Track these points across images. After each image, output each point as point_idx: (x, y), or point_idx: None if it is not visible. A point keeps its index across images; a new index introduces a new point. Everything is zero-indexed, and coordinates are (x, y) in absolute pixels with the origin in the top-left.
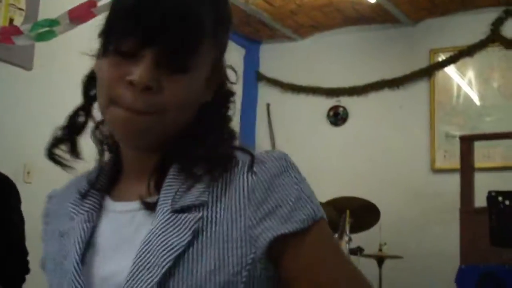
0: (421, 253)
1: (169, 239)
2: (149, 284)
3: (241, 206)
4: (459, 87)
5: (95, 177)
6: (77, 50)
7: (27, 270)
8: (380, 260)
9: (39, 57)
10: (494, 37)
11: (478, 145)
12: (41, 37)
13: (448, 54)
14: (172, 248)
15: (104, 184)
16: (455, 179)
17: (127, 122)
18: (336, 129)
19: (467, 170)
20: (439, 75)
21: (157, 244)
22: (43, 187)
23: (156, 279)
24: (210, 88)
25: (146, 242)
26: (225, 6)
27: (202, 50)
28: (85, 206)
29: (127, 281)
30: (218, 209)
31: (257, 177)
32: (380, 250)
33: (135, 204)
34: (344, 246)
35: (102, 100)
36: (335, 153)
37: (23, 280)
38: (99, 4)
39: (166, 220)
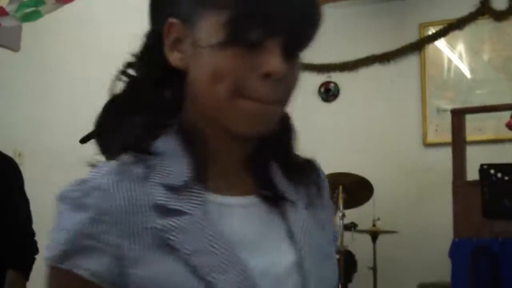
0: (415, 227)
1: (316, 232)
2: (331, 272)
3: (327, 208)
4: (449, 61)
5: (191, 168)
6: (64, 30)
7: (36, 250)
8: (374, 235)
9: (27, 37)
10: (484, 10)
11: (469, 118)
12: (27, 18)
13: (438, 28)
14: (325, 240)
15: (201, 176)
16: (447, 153)
17: (259, 114)
18: (328, 105)
19: (459, 143)
20: (429, 49)
21: (311, 237)
22: (35, 169)
23: (333, 268)
24: None
25: (302, 234)
26: None
27: None
28: (192, 200)
29: (308, 271)
30: (319, 209)
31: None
32: (374, 225)
33: (250, 198)
34: (338, 222)
35: (222, 93)
36: (327, 129)
37: (33, 260)
38: None
39: (307, 216)
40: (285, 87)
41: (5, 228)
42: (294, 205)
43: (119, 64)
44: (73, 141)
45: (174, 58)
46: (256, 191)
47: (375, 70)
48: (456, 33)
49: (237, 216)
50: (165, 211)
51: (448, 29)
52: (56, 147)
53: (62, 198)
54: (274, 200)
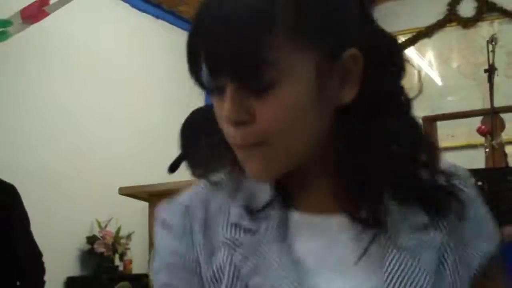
0: None
1: (419, 263)
2: None
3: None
4: (419, 69)
5: (273, 190)
6: (31, 51)
7: (44, 271)
8: None
9: None
10: (451, 17)
11: (441, 125)
12: None
13: (407, 36)
14: (427, 273)
15: (286, 195)
16: None
17: (244, 160)
18: None
19: None
20: None
21: (408, 267)
22: None
23: None
24: (344, 88)
25: (395, 264)
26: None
27: (278, 62)
28: (269, 221)
29: None
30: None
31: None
32: None
33: (336, 218)
34: None
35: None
36: None
37: (44, 282)
38: (52, 2)
39: (407, 243)
40: (256, 127)
41: (16, 254)
42: (390, 228)
43: (94, 84)
44: (45, 158)
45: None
46: (346, 210)
47: None
48: (425, 41)
49: (322, 238)
50: (238, 229)
51: (417, 37)
52: (29, 163)
53: (155, 218)
54: (367, 222)
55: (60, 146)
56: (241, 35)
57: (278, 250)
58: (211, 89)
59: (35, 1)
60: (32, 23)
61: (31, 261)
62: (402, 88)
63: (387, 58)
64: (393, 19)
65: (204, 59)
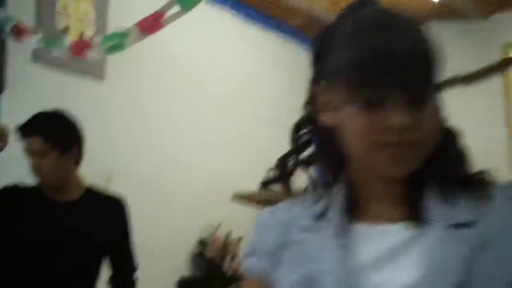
0: None
1: (451, 252)
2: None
3: (496, 223)
4: None
5: (341, 205)
6: (146, 60)
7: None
8: None
9: (111, 67)
10: None
11: None
12: (112, 50)
13: None
14: (458, 260)
15: (346, 209)
16: None
17: (396, 159)
18: None
19: None
20: None
21: (440, 257)
22: (122, 191)
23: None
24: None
25: (428, 254)
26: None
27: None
28: (329, 228)
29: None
30: (492, 228)
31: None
32: None
33: (396, 226)
34: None
35: (362, 147)
36: None
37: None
38: (166, 15)
39: (443, 236)
40: (417, 130)
41: (121, 266)
42: (432, 226)
43: (202, 94)
44: (157, 165)
45: (324, 117)
46: (407, 218)
47: (458, 91)
48: None
49: (379, 242)
50: (303, 231)
51: None
52: (142, 171)
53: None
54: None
55: (175, 153)
56: (422, 50)
57: (338, 252)
58: (368, 104)
59: (150, 15)
60: (148, 35)
61: (130, 274)
62: None
63: None
64: (507, 31)
65: (384, 70)
